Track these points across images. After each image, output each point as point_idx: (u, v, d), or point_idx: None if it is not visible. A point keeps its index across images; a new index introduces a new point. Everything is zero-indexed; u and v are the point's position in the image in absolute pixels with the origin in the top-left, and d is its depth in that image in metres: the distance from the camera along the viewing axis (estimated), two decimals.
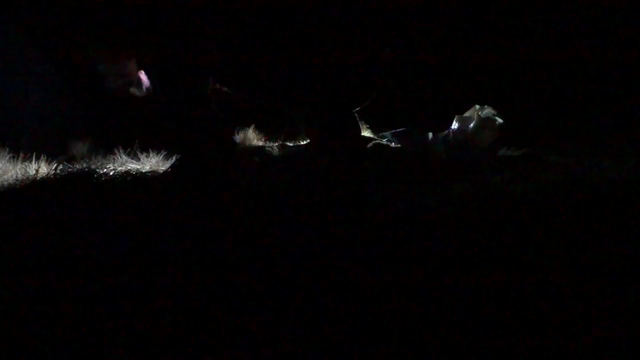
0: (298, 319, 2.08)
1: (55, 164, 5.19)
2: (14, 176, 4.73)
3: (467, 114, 6.70)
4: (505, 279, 2.39)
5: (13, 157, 5.15)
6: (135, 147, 5.62)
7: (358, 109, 5.98)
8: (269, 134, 7.11)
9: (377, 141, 6.36)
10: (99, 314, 2.15)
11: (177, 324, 2.06)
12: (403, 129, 6.89)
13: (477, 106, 6.72)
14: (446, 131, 6.66)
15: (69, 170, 5.09)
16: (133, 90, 5.25)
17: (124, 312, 2.16)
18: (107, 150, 5.70)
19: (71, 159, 5.88)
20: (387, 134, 6.87)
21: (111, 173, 4.91)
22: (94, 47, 4.89)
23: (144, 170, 5.06)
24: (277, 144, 6.88)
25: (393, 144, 6.45)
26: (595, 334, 1.91)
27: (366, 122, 6.98)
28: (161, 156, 5.42)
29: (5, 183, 4.57)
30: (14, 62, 6.56)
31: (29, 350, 1.90)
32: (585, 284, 2.31)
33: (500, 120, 6.45)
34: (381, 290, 2.32)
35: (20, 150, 5.35)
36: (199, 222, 3.40)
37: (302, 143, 6.76)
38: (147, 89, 5.36)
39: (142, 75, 5.30)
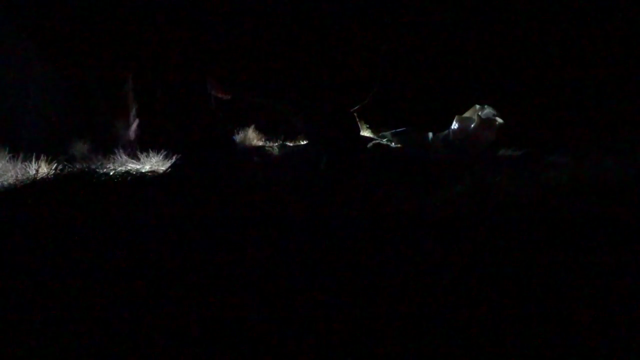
0: (297, 316, 2.08)
1: (55, 164, 5.18)
2: (14, 176, 4.71)
3: (467, 114, 6.71)
4: (505, 279, 2.39)
5: (13, 157, 5.14)
6: (135, 147, 5.61)
7: (356, 107, 5.98)
8: (269, 134, 7.12)
9: (377, 141, 6.37)
10: (98, 313, 2.14)
11: (175, 322, 2.06)
12: (403, 129, 6.90)
13: (477, 106, 6.73)
14: (446, 131, 6.67)
15: (69, 170, 5.08)
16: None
17: (123, 312, 2.16)
18: (107, 150, 5.70)
19: (71, 159, 5.87)
20: (387, 134, 6.88)
21: (111, 173, 4.90)
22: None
23: (144, 170, 5.05)
24: (277, 144, 6.89)
25: (393, 144, 6.46)
26: (594, 333, 1.91)
27: (366, 122, 6.99)
28: (161, 156, 5.42)
29: (5, 183, 4.56)
30: (14, 62, 6.56)
31: (28, 349, 1.90)
32: (585, 284, 2.31)
33: (500, 121, 6.45)
34: (380, 289, 2.31)
35: (20, 150, 5.33)
36: (199, 222, 3.40)
37: (302, 143, 6.76)
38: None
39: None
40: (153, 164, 5.30)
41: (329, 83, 5.25)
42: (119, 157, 5.38)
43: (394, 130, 6.87)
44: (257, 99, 5.52)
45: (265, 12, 4.92)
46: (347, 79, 5.39)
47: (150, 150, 5.50)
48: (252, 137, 6.93)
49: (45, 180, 4.68)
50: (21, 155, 5.18)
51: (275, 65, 5.12)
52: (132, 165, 5.25)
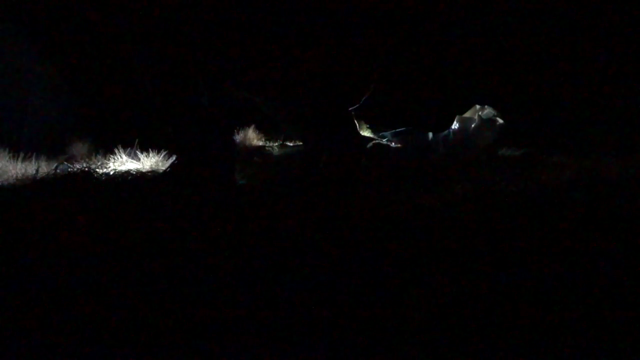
0: (295, 315, 2.08)
1: (55, 164, 5.18)
2: (14, 176, 4.71)
3: (467, 114, 6.71)
4: (505, 278, 2.39)
5: (13, 157, 5.15)
6: (135, 147, 5.61)
7: (354, 107, 5.95)
8: (269, 134, 7.13)
9: (377, 141, 6.37)
10: (98, 313, 2.15)
11: (175, 320, 2.06)
12: (403, 129, 6.91)
13: (477, 106, 6.73)
14: (446, 131, 6.67)
15: (69, 170, 5.08)
16: None
17: (123, 310, 2.16)
18: (107, 150, 5.70)
19: (71, 159, 5.88)
20: (387, 134, 6.88)
21: (111, 173, 4.90)
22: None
23: (144, 170, 5.05)
24: (277, 144, 6.89)
25: (393, 144, 6.46)
26: (592, 332, 1.91)
27: (366, 122, 6.99)
28: (161, 156, 5.41)
29: (5, 183, 4.56)
30: (14, 62, 6.57)
31: (29, 346, 1.90)
32: (584, 282, 2.31)
33: (500, 121, 6.46)
34: (380, 288, 2.32)
35: (20, 150, 5.34)
36: (198, 222, 3.40)
37: (301, 143, 6.76)
38: None
39: None
40: (153, 164, 5.29)
41: (324, 82, 5.23)
42: (119, 157, 5.38)
43: (394, 130, 6.87)
44: (245, 94, 5.48)
45: (259, 10, 4.90)
46: (343, 77, 5.36)
47: (150, 150, 5.50)
48: (252, 137, 6.93)
49: (45, 180, 4.68)
50: (21, 155, 5.19)
51: (269, 63, 5.10)
52: (132, 165, 5.25)
